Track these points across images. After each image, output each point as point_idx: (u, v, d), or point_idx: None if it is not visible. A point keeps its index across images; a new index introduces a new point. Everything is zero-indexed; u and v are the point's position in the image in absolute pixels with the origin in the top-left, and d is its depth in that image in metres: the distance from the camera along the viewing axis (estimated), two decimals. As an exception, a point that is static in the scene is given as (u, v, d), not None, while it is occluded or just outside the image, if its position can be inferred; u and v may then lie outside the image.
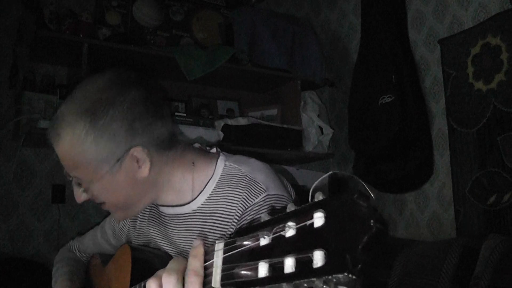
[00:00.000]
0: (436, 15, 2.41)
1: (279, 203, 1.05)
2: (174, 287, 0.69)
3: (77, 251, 1.52)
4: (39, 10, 2.30)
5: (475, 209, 2.12)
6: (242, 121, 2.56)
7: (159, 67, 2.58)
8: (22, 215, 2.35)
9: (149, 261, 1.09)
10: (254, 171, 1.09)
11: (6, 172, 2.33)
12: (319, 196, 0.53)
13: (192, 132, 2.44)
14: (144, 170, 1.04)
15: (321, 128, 2.85)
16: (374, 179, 2.51)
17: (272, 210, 1.02)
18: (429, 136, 2.38)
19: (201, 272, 0.67)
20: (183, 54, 2.50)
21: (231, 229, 1.04)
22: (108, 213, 1.42)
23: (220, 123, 2.53)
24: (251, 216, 1.03)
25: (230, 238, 0.63)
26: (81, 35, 2.36)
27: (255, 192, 1.04)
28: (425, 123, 2.38)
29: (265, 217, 0.59)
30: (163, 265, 1.04)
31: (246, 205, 1.04)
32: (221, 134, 2.49)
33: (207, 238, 1.07)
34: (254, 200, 1.04)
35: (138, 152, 1.03)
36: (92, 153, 1.00)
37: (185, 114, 2.56)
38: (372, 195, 0.50)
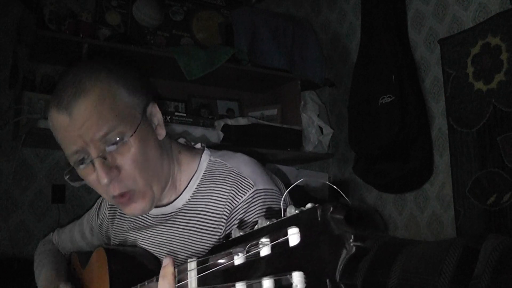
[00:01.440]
0: (436, 15, 2.41)
1: (268, 198, 1.01)
2: None
3: (57, 245, 1.47)
4: (39, 10, 2.30)
5: (475, 209, 2.12)
6: (242, 121, 2.56)
7: (159, 67, 2.58)
8: (22, 215, 2.35)
9: (128, 261, 1.05)
10: (240, 165, 1.05)
11: (6, 172, 2.33)
12: (291, 210, 0.49)
13: (192, 132, 2.44)
14: (161, 132, 1.03)
15: (321, 128, 2.85)
16: (374, 179, 2.51)
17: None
18: (429, 136, 2.38)
19: None
20: (183, 54, 2.50)
21: (220, 228, 1.01)
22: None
23: (220, 123, 2.53)
24: (242, 214, 0.99)
25: (202, 256, 0.60)
26: (81, 35, 2.36)
27: (242, 188, 1.00)
28: (425, 123, 2.38)
29: (236, 232, 0.57)
30: (147, 262, 1.02)
31: (235, 202, 1.00)
32: (221, 134, 2.49)
33: (194, 238, 1.04)
34: (242, 196, 1.00)
35: (155, 107, 1.03)
36: (125, 98, 0.97)
37: (185, 114, 2.56)
38: (349, 201, 0.47)
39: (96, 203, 1.34)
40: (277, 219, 0.51)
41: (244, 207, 0.99)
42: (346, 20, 2.96)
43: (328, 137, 2.87)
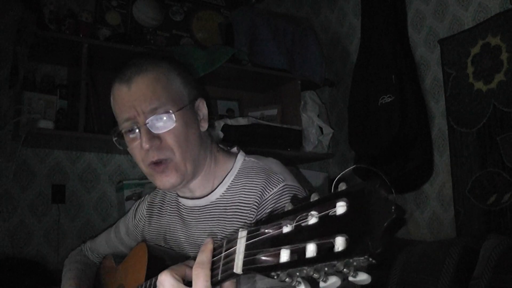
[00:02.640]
0: (436, 15, 2.41)
1: (295, 194, 1.08)
2: (170, 281, 0.79)
3: (89, 251, 1.53)
4: (39, 10, 2.30)
5: (475, 209, 2.12)
6: (242, 121, 2.56)
7: (159, 67, 2.57)
8: (22, 215, 2.35)
9: (165, 259, 1.12)
10: (272, 164, 1.16)
11: (6, 172, 2.33)
12: (342, 187, 0.55)
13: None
14: (204, 125, 1.15)
15: (321, 128, 2.85)
16: (374, 179, 2.50)
17: (295, 199, 1.04)
18: (429, 136, 2.38)
19: (206, 265, 0.74)
20: (183, 54, 2.50)
21: (251, 217, 1.07)
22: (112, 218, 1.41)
23: (220, 123, 2.53)
24: (271, 205, 1.06)
25: (253, 226, 0.66)
26: (81, 35, 2.37)
27: (273, 182, 1.09)
28: (425, 123, 2.38)
29: (288, 206, 0.61)
30: (182, 259, 1.07)
31: (266, 193, 1.07)
32: (221, 134, 2.49)
33: (226, 229, 1.10)
34: (273, 189, 1.08)
35: (202, 103, 1.16)
36: (177, 84, 1.12)
37: (185, 114, 2.55)
38: (393, 191, 0.52)
39: (133, 207, 1.42)
40: (328, 193, 0.56)
41: (274, 198, 1.07)
42: (346, 20, 2.96)
43: (328, 137, 2.87)
